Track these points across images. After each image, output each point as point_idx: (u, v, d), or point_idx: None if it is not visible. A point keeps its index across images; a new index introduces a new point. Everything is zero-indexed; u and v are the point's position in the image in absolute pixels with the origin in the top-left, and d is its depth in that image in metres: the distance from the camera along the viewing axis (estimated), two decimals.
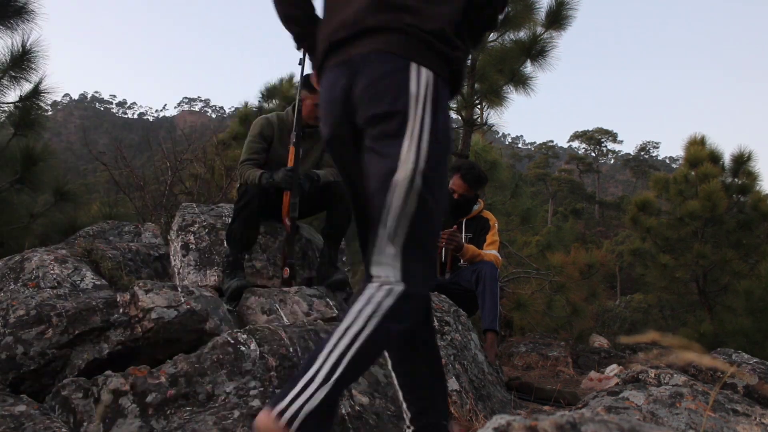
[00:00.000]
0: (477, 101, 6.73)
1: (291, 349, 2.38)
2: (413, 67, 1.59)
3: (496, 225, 4.26)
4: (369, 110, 1.58)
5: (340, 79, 1.63)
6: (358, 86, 1.59)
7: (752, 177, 9.49)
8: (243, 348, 2.32)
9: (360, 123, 1.61)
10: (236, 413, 1.97)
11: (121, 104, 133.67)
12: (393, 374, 1.78)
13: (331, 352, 1.41)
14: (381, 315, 1.46)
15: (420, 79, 1.58)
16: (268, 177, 3.64)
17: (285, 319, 3.14)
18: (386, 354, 1.79)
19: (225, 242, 3.67)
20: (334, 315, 3.29)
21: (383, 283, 1.51)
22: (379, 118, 1.57)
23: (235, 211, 3.63)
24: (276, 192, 3.71)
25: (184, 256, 3.74)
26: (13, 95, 5.60)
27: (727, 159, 9.67)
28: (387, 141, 1.56)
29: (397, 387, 1.77)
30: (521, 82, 6.70)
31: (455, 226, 4.08)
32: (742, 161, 9.54)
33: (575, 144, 65.10)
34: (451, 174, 4.29)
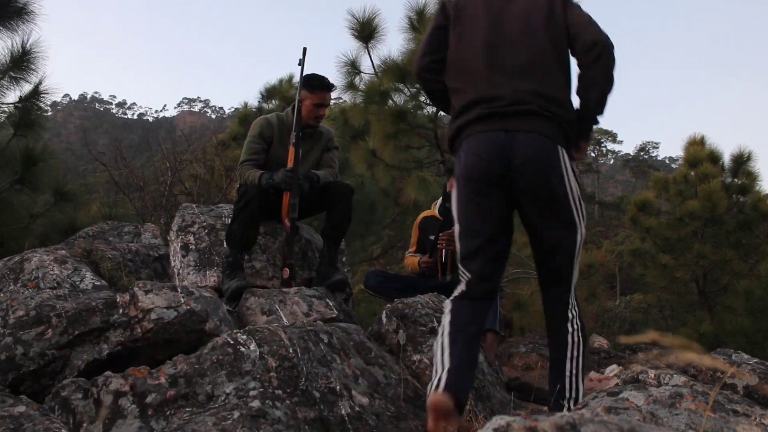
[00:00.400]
0: None
1: (291, 350, 2.38)
2: (560, 149, 2.22)
3: None
4: (536, 180, 2.19)
5: (499, 143, 2.20)
6: (522, 157, 2.17)
7: (752, 177, 9.48)
8: (243, 349, 2.32)
9: (523, 186, 2.21)
10: (236, 414, 1.97)
11: (121, 105, 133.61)
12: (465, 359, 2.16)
13: (573, 375, 2.21)
14: (584, 335, 2.29)
15: (565, 159, 2.23)
16: (267, 177, 3.64)
17: (285, 319, 3.14)
18: (461, 339, 2.18)
19: (225, 243, 3.67)
20: (334, 315, 3.29)
21: (573, 309, 2.32)
22: (547, 189, 2.20)
23: (234, 212, 3.63)
24: (276, 192, 3.71)
25: (183, 256, 3.74)
26: (13, 96, 5.59)
27: (726, 159, 9.67)
28: (559, 208, 2.24)
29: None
30: None
31: (451, 231, 4.06)
32: (741, 161, 9.53)
33: None
34: (448, 176, 4.30)
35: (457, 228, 2.37)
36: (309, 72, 3.90)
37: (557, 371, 2.24)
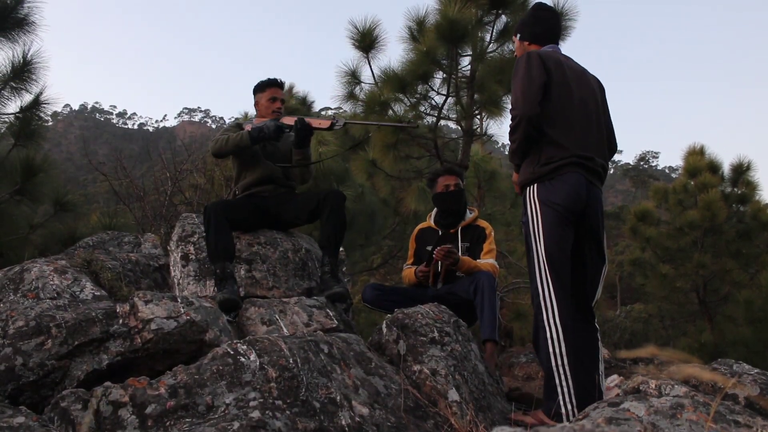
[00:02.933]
0: (476, 111, 6.75)
1: (291, 360, 2.37)
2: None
3: (492, 233, 4.26)
4: (599, 222, 2.89)
5: (584, 185, 2.80)
6: (595, 202, 2.85)
7: (751, 186, 9.50)
8: (243, 359, 2.32)
9: (592, 224, 2.85)
10: (236, 424, 1.96)
11: (121, 115, 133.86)
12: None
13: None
14: None
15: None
16: (257, 131, 3.79)
17: (285, 330, 3.13)
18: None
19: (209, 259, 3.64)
20: (334, 325, 3.28)
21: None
22: (601, 229, 2.91)
23: (204, 226, 3.63)
24: (266, 201, 3.77)
25: (183, 266, 3.74)
26: (13, 106, 5.61)
27: (726, 168, 9.70)
28: (602, 244, 2.92)
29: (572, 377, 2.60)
30: None
31: (449, 247, 4.03)
32: (741, 171, 9.55)
33: None
34: (436, 178, 4.37)
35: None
36: (262, 79, 4.21)
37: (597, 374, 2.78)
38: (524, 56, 2.91)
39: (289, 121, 3.91)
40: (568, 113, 2.86)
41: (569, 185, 2.76)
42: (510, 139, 2.95)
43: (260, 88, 4.12)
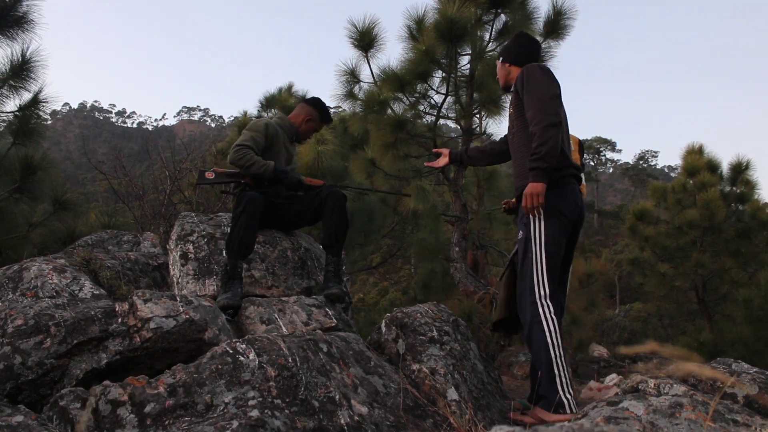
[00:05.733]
0: (476, 110, 6.75)
1: (290, 359, 2.37)
2: None
3: None
4: (582, 225, 3.12)
5: (579, 196, 3.07)
6: (584, 209, 3.11)
7: (750, 186, 9.51)
8: (242, 358, 2.32)
9: (579, 228, 3.11)
10: (235, 423, 1.96)
11: (121, 113, 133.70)
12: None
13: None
14: None
15: None
16: (283, 173, 3.83)
17: (284, 329, 3.13)
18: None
19: (224, 251, 3.64)
20: (333, 324, 3.28)
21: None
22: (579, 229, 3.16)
23: (234, 217, 3.58)
24: (277, 199, 3.86)
25: (183, 265, 3.74)
26: (12, 104, 5.60)
27: (725, 168, 9.70)
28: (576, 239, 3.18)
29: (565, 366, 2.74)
30: None
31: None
32: (740, 170, 9.56)
33: None
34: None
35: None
36: (315, 97, 4.29)
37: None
38: (543, 68, 3.02)
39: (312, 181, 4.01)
40: (565, 127, 3.03)
41: (572, 198, 2.99)
42: (544, 141, 2.83)
43: (322, 120, 4.26)
